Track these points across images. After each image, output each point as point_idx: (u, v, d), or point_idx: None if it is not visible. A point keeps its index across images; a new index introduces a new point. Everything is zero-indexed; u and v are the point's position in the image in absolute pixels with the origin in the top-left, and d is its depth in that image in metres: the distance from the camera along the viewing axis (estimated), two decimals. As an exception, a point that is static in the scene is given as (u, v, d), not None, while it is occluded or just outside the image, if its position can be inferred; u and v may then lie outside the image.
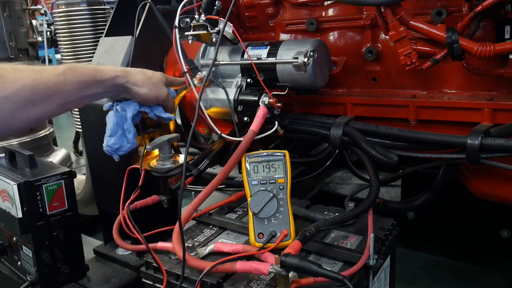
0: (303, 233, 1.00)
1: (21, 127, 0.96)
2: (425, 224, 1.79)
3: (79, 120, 1.47)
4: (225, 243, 1.11)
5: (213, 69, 1.35)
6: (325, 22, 1.47)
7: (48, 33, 2.71)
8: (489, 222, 1.63)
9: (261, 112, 1.19)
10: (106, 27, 1.61)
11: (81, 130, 1.50)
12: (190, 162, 1.30)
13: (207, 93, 1.34)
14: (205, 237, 1.20)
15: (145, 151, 1.26)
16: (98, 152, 1.16)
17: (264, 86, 1.23)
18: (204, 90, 1.32)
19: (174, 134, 1.30)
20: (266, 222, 1.10)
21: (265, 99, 1.22)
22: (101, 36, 1.60)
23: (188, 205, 1.16)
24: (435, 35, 1.10)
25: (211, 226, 1.26)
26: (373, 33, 1.38)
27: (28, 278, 1.13)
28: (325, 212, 1.26)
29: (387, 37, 1.16)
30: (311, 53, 1.20)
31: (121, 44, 1.49)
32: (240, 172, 1.46)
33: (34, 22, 2.59)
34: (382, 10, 1.13)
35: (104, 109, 1.19)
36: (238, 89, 1.28)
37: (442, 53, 1.12)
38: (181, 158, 1.29)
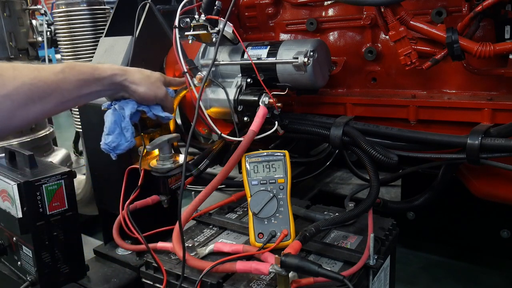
0: (303, 233, 1.00)
1: (21, 126, 0.96)
2: (425, 224, 1.79)
3: (79, 120, 1.47)
4: (225, 243, 1.11)
5: (213, 69, 1.35)
6: (325, 22, 1.47)
7: (48, 33, 2.72)
8: (489, 222, 1.63)
9: (261, 112, 1.19)
10: (106, 27, 1.62)
11: (81, 130, 1.50)
12: (190, 162, 1.30)
13: (207, 93, 1.34)
14: (205, 237, 1.20)
15: (145, 151, 1.26)
16: (98, 152, 1.16)
17: (264, 86, 1.23)
18: (204, 90, 1.33)
19: (174, 134, 1.30)
20: (266, 222, 1.10)
21: (265, 99, 1.22)
22: (101, 36, 1.61)
23: (188, 205, 1.16)
24: (435, 35, 1.10)
25: (211, 226, 1.26)
26: (373, 33, 1.38)
27: (28, 278, 1.13)
28: (325, 212, 1.26)
29: (387, 37, 1.16)
30: (311, 53, 1.20)
31: (121, 44, 1.49)
32: (240, 172, 1.46)
33: (34, 22, 2.59)
34: (382, 10, 1.13)
35: (102, 108, 1.19)
36: (238, 89, 1.29)
37: (442, 53, 1.12)
38: (181, 158, 1.29)
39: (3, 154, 1.24)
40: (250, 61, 1.26)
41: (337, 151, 1.76)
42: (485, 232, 1.66)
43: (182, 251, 1.00)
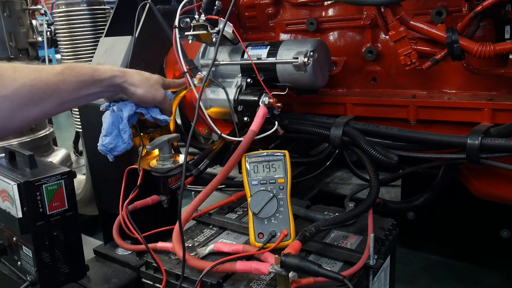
0: (303, 233, 1.00)
1: (21, 127, 0.96)
2: (425, 224, 1.79)
3: (79, 120, 1.47)
4: (225, 243, 1.11)
5: (213, 69, 1.35)
6: (325, 22, 1.47)
7: (48, 33, 2.72)
8: (489, 222, 1.63)
9: (261, 112, 1.19)
10: (106, 27, 1.62)
11: (81, 130, 1.50)
12: (190, 162, 1.30)
13: (207, 93, 1.34)
14: (205, 237, 1.20)
15: (145, 151, 1.27)
16: (98, 152, 1.16)
17: (264, 86, 1.23)
18: (204, 90, 1.33)
19: (174, 134, 1.30)
20: (266, 222, 1.10)
21: (265, 99, 1.22)
22: (101, 36, 1.61)
23: (188, 205, 1.16)
24: (435, 35, 1.10)
25: (211, 226, 1.26)
26: (373, 33, 1.38)
27: (28, 278, 1.13)
28: (325, 212, 1.26)
29: (387, 37, 1.16)
30: (311, 53, 1.20)
31: (121, 44, 1.49)
32: (240, 172, 1.46)
33: (34, 22, 2.59)
34: (382, 10, 1.13)
35: (100, 109, 1.19)
36: (238, 89, 1.28)
37: (442, 53, 1.12)
38: (181, 158, 1.29)
39: (3, 154, 1.24)
40: (250, 61, 1.26)
41: (337, 151, 1.76)
42: (485, 232, 1.66)
43: (182, 251, 1.00)
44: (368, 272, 1.03)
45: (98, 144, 1.14)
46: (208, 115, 1.24)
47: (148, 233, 1.19)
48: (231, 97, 1.28)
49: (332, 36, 1.48)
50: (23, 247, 1.13)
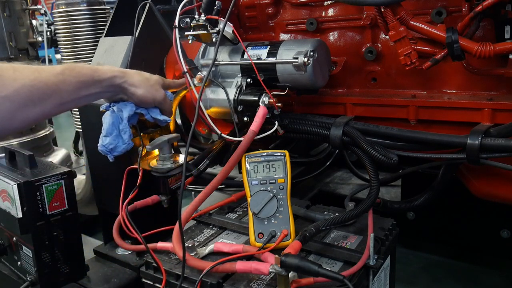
0: (303, 233, 1.00)
1: (21, 127, 0.96)
2: (425, 224, 1.79)
3: (79, 120, 1.47)
4: (225, 243, 1.11)
5: (213, 69, 1.35)
6: (325, 22, 1.47)
7: (48, 33, 2.72)
8: (489, 222, 1.63)
9: (261, 112, 1.19)
10: (106, 27, 1.61)
11: (81, 130, 1.50)
12: (190, 162, 1.30)
13: (207, 93, 1.34)
14: (205, 237, 1.20)
15: (145, 151, 1.27)
16: (98, 152, 1.16)
17: (264, 86, 1.23)
18: (204, 90, 1.32)
19: (174, 134, 1.30)
20: (266, 222, 1.10)
21: (265, 99, 1.22)
22: (101, 36, 1.60)
23: (188, 205, 1.16)
24: (435, 35, 1.10)
25: (211, 226, 1.26)
26: (373, 33, 1.38)
27: (28, 278, 1.13)
28: (325, 212, 1.26)
29: (387, 37, 1.16)
30: (311, 53, 1.20)
31: (121, 44, 1.49)
32: (240, 172, 1.46)
33: (34, 22, 2.59)
34: (382, 10, 1.13)
35: (101, 109, 1.19)
36: (238, 89, 1.28)
37: (442, 53, 1.12)
38: (181, 158, 1.29)
39: (3, 154, 1.24)
40: (250, 61, 1.26)
41: (337, 151, 1.76)
42: (485, 232, 1.66)
43: (182, 251, 1.00)
44: (368, 272, 1.03)
45: (98, 145, 1.15)
46: (208, 115, 1.24)
47: (148, 233, 1.19)
48: (231, 97, 1.28)
49: (332, 36, 1.48)
50: (23, 247, 1.13)
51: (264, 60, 1.27)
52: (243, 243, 1.12)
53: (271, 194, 1.11)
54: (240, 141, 1.16)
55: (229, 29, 1.25)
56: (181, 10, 1.24)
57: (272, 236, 1.07)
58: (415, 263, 1.94)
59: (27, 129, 2.32)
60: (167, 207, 1.27)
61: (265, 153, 1.16)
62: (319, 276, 0.87)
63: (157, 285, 1.08)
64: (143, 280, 1.12)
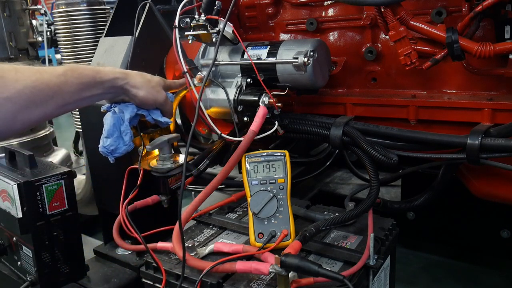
0: (303, 233, 1.00)
1: (23, 129, 0.96)
2: (425, 224, 1.79)
3: (79, 120, 1.47)
4: (225, 243, 1.11)
5: (213, 69, 1.35)
6: (325, 22, 1.47)
7: (48, 33, 2.72)
8: (489, 222, 1.63)
9: (261, 112, 1.19)
10: (106, 27, 1.61)
11: (81, 130, 1.50)
12: (190, 162, 1.30)
13: (207, 93, 1.33)
14: (205, 237, 1.20)
15: (145, 151, 1.27)
16: (98, 152, 1.16)
17: (264, 86, 1.23)
18: (204, 90, 1.32)
19: (174, 134, 1.30)
20: (266, 222, 1.10)
21: (265, 99, 1.22)
22: (101, 36, 1.60)
23: (188, 205, 1.16)
24: (435, 35, 1.10)
25: (211, 226, 1.26)
26: (373, 33, 1.38)
27: (28, 278, 1.13)
28: (325, 212, 1.26)
29: (387, 37, 1.16)
30: (311, 53, 1.20)
31: (121, 44, 1.49)
32: (240, 172, 1.46)
33: (34, 22, 2.59)
34: (382, 10, 1.13)
35: (102, 109, 1.19)
36: (238, 89, 1.28)
37: (442, 53, 1.12)
38: (181, 158, 1.29)
39: (3, 154, 1.24)
40: (250, 61, 1.26)
41: (337, 151, 1.76)
42: (485, 232, 1.66)
43: (182, 251, 1.00)
44: (368, 272, 1.03)
45: (99, 146, 1.15)
46: (208, 115, 1.24)
47: (148, 233, 1.19)
48: (231, 97, 1.28)
49: (332, 36, 1.48)
50: (23, 247, 1.13)
51: (264, 60, 1.27)
52: (243, 243, 1.12)
53: (271, 194, 1.11)
54: (240, 141, 1.16)
55: (229, 29, 1.25)
56: (181, 10, 1.24)
57: (272, 236, 1.07)
58: (415, 263, 1.94)
59: (28, 129, 2.32)
60: (167, 207, 1.27)
61: (265, 153, 1.16)
62: (319, 276, 0.87)
63: (157, 285, 1.08)
64: (143, 280, 1.12)
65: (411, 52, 1.13)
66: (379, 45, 1.38)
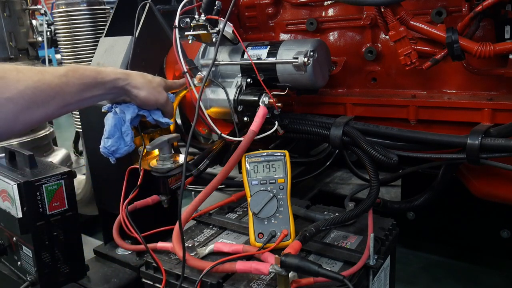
0: (303, 233, 1.00)
1: (24, 129, 0.96)
2: (425, 224, 1.79)
3: (79, 120, 1.47)
4: (225, 243, 1.11)
5: (213, 69, 1.35)
6: (325, 22, 1.47)
7: (48, 33, 2.72)
8: (489, 222, 1.63)
9: (261, 112, 1.19)
10: (106, 27, 1.61)
11: (81, 130, 1.50)
12: (190, 162, 1.30)
13: (207, 93, 1.33)
14: (205, 237, 1.20)
15: (145, 151, 1.27)
16: (98, 152, 1.16)
17: (264, 86, 1.23)
18: (204, 90, 1.32)
19: (174, 134, 1.30)
20: (266, 222, 1.10)
21: (265, 99, 1.22)
22: (101, 36, 1.60)
23: (188, 205, 1.16)
24: (435, 35, 1.10)
25: (211, 226, 1.26)
26: (373, 33, 1.38)
27: (28, 278, 1.13)
28: (325, 212, 1.26)
29: (387, 37, 1.16)
30: (311, 53, 1.20)
31: (121, 44, 1.48)
32: (240, 172, 1.46)
33: (34, 22, 2.59)
34: (382, 10, 1.13)
35: (102, 110, 1.19)
36: (238, 89, 1.28)
37: (442, 53, 1.12)
38: (181, 158, 1.29)
39: (3, 154, 1.24)
40: (250, 61, 1.26)
41: (337, 151, 1.76)
42: (485, 232, 1.66)
43: (182, 251, 1.00)
44: (368, 272, 1.03)
45: (100, 146, 1.14)
46: (208, 115, 1.24)
47: (148, 233, 1.19)
48: (231, 97, 1.28)
49: (332, 36, 1.48)
50: (23, 247, 1.13)
51: (264, 60, 1.27)
52: (243, 243, 1.12)
53: (271, 194, 1.11)
54: (240, 141, 1.16)
55: (229, 29, 1.25)
56: (181, 10, 1.24)
57: (272, 236, 1.07)
58: (415, 263, 1.94)
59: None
60: (167, 207, 1.27)
61: (265, 153, 1.16)
62: (319, 276, 0.87)
63: (157, 285, 1.08)
64: (143, 280, 1.12)
65: (411, 52, 1.13)
66: (379, 45, 1.38)
